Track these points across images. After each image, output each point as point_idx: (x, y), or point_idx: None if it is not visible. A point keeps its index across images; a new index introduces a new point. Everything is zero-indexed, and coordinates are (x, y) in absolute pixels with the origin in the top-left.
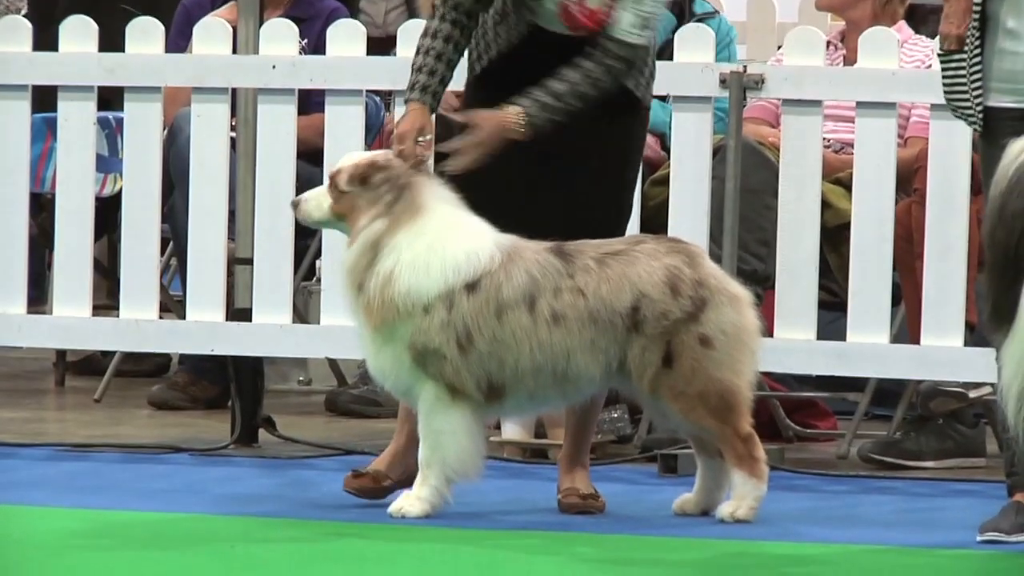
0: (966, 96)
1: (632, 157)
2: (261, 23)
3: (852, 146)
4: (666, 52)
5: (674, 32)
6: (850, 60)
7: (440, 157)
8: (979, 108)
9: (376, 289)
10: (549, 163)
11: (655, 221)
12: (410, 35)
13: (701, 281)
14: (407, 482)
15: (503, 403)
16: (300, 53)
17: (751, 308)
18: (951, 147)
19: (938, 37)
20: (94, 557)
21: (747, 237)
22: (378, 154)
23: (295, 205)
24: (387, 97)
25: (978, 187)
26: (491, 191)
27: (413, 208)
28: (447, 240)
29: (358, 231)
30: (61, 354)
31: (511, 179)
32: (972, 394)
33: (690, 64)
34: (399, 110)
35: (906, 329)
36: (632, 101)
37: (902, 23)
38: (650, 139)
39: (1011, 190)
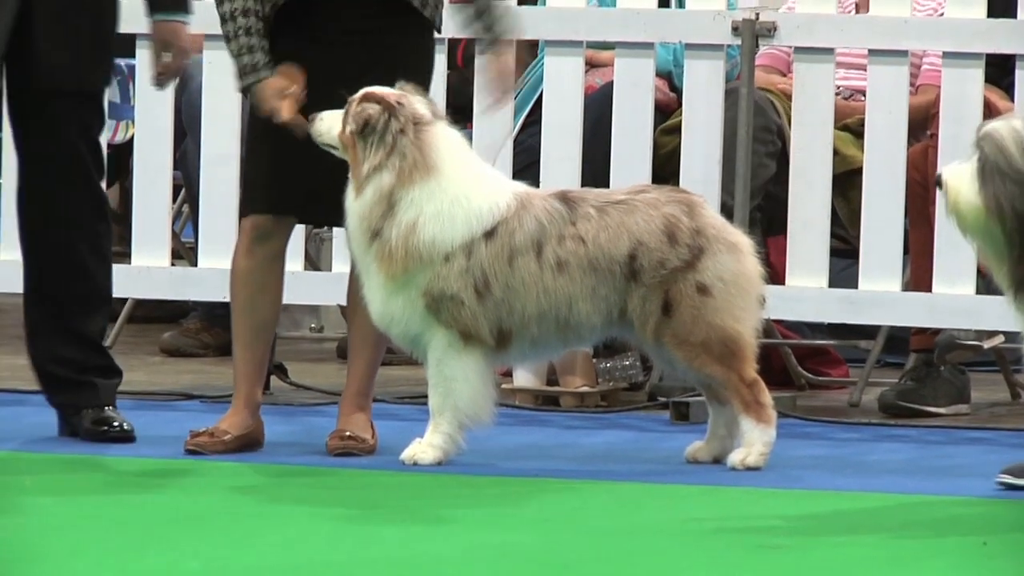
0: None
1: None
2: None
3: (862, 93)
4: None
5: None
6: (862, 9)
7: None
8: None
9: (399, 239)
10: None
11: (666, 169)
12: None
13: (699, 230)
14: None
15: (509, 350)
16: None
17: (751, 255)
18: (963, 94)
19: None
20: (105, 503)
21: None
22: (390, 94)
23: (313, 120)
24: None
25: None
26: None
27: (426, 164)
28: (470, 192)
29: (361, 177)
30: None
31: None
32: (986, 344)
33: (702, 11)
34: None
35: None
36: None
37: None
38: (657, 81)
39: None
